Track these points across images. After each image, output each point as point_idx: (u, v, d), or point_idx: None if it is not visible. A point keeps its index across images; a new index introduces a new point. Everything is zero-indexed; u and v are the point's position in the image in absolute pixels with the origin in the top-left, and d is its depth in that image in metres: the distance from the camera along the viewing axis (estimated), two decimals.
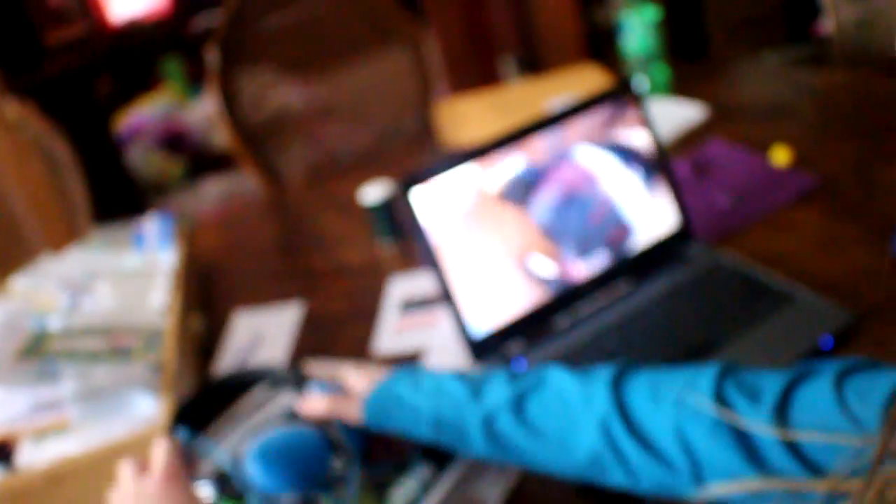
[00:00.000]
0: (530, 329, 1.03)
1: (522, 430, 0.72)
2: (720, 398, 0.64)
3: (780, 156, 1.33)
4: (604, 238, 1.09)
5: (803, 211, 1.20)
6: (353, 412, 0.81)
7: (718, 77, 1.74)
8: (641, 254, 1.10)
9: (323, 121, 2.09)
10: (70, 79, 3.11)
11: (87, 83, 3.22)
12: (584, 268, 1.06)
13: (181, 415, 0.92)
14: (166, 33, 3.52)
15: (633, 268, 1.10)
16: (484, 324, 1.01)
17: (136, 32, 3.45)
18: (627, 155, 1.09)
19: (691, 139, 1.50)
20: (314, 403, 0.83)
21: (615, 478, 0.69)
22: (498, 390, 0.74)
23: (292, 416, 0.90)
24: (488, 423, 0.73)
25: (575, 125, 1.05)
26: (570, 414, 0.70)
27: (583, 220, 1.06)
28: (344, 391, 0.86)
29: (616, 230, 1.09)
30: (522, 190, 1.03)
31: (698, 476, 0.64)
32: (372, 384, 0.82)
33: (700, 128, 1.53)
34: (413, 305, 1.20)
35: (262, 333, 1.23)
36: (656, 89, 1.64)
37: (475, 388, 0.76)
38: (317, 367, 0.95)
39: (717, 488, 0.60)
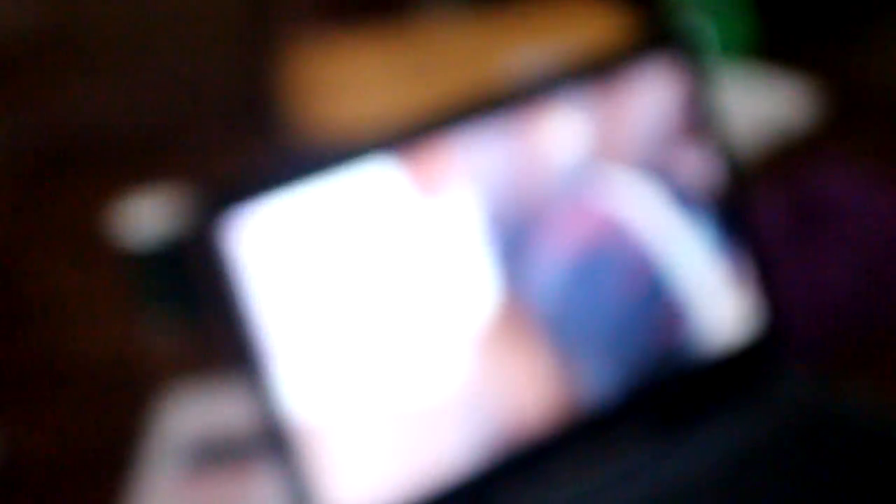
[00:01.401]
0: None
1: None
2: None
3: None
4: (646, 332, 0.83)
5: None
6: None
7: (851, 41, 1.33)
8: (686, 380, 0.84)
9: (62, 63, 1.64)
10: None
11: None
12: (576, 398, 0.82)
13: None
14: None
15: (668, 407, 0.83)
16: (355, 495, 0.74)
17: None
18: (674, 183, 0.82)
19: (793, 155, 1.13)
20: None
21: None
22: None
23: None
24: None
25: (562, 115, 0.78)
26: None
27: (608, 299, 0.82)
28: None
29: (665, 317, 0.82)
30: (502, 238, 0.78)
31: None
32: None
33: (811, 134, 1.17)
34: (210, 453, 0.89)
35: None
36: (731, 52, 1.24)
37: None
38: None
39: None
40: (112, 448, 0.91)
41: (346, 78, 1.37)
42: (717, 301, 0.82)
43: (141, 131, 1.48)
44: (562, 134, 0.78)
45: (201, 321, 1.00)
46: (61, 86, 1.59)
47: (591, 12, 1.42)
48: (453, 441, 0.74)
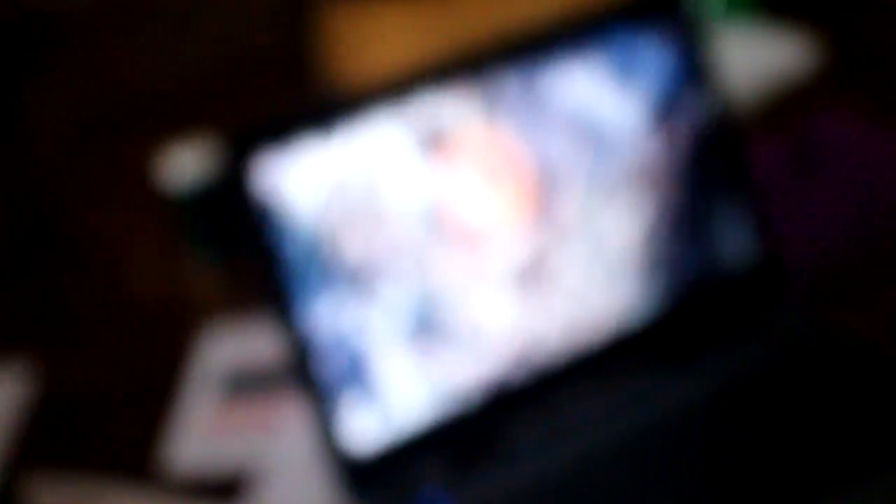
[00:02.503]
0: (464, 442, 0.79)
1: None
2: None
3: None
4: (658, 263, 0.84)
5: None
6: None
7: None
8: (686, 314, 0.85)
9: (115, 32, 1.66)
10: None
11: None
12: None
13: None
14: None
15: (666, 340, 0.84)
16: (374, 426, 0.77)
17: None
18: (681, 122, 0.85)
19: (793, 105, 1.14)
20: None
21: None
22: None
23: None
24: None
25: (568, 63, 0.83)
26: None
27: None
28: None
29: (672, 251, 0.85)
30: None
31: None
32: None
33: (811, 85, 1.17)
34: (245, 383, 0.92)
35: None
36: (734, 9, 1.26)
37: None
38: (53, 493, 0.79)
39: None
40: (152, 380, 0.95)
41: (377, 33, 1.36)
42: (717, 235, 0.85)
43: (186, 87, 1.49)
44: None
45: (237, 258, 1.04)
46: (113, 51, 1.60)
47: None
48: (475, 364, 0.77)
